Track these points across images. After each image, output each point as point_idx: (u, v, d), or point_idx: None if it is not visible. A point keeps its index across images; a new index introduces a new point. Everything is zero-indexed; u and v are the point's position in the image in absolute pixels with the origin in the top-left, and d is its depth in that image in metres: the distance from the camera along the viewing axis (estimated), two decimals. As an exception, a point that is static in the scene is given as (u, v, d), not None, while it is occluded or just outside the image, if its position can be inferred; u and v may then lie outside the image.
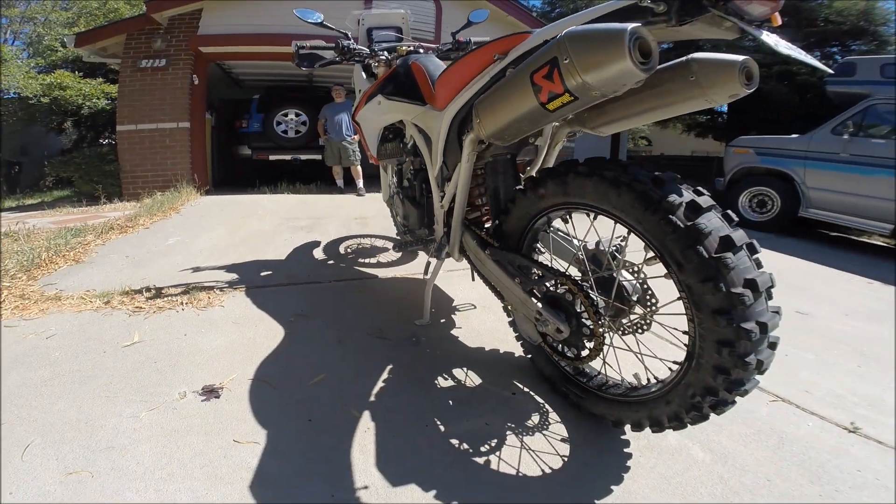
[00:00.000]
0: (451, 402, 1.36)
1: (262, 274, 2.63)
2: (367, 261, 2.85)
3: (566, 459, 1.15)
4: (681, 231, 0.91)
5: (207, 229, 3.84)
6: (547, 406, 1.36)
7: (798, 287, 2.89)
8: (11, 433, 1.19)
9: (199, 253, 3.09)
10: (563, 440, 1.22)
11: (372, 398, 1.37)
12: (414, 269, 2.64)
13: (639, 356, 1.19)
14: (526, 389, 1.44)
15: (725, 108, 11.29)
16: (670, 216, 0.92)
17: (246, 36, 5.73)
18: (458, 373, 1.52)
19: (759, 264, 0.95)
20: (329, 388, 1.43)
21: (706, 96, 0.93)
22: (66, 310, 2.11)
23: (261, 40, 5.69)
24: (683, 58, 0.96)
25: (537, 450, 1.18)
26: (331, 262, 2.87)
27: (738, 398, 0.98)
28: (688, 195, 0.96)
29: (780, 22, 0.86)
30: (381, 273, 2.58)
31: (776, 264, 3.44)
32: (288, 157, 6.55)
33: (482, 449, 1.16)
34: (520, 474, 1.10)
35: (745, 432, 1.29)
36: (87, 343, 1.77)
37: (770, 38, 0.85)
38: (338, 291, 2.32)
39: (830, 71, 1.19)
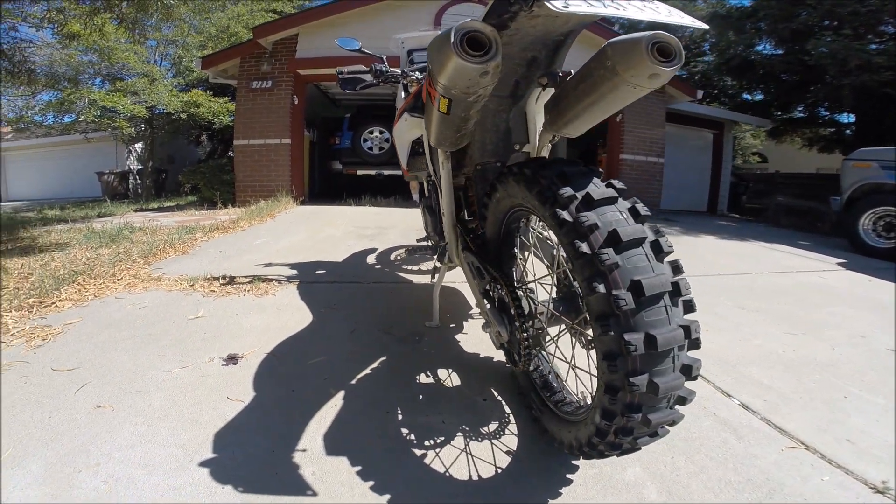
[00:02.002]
0: (421, 396, 1.44)
1: (317, 272, 2.94)
2: (409, 267, 3.03)
3: (499, 472, 1.14)
4: (568, 225, 0.87)
5: (290, 234, 4.35)
6: (511, 417, 1.36)
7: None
8: (82, 376, 1.53)
9: (277, 252, 3.53)
10: (507, 452, 1.21)
11: (353, 381, 1.50)
12: (448, 277, 2.76)
13: (573, 367, 1.15)
14: (499, 398, 1.45)
15: (854, 119, 9.68)
16: (558, 210, 0.89)
17: (334, 58, 6.39)
18: (442, 372, 1.58)
19: (676, 268, 0.86)
20: (322, 368, 1.60)
21: (627, 82, 0.87)
22: (161, 289, 2.57)
23: (345, 62, 6.31)
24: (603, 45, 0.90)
25: (478, 456, 1.18)
26: (378, 266, 3.10)
27: (656, 431, 0.87)
28: (591, 189, 0.89)
29: None
30: (417, 279, 2.74)
31: (889, 297, 2.94)
32: (372, 172, 7.11)
33: (425, 443, 1.21)
34: (446, 474, 1.11)
35: (728, 478, 1.15)
36: (164, 314, 2.16)
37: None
38: (371, 291, 2.52)
39: (705, 26, 0.97)
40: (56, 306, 2.23)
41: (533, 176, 1.00)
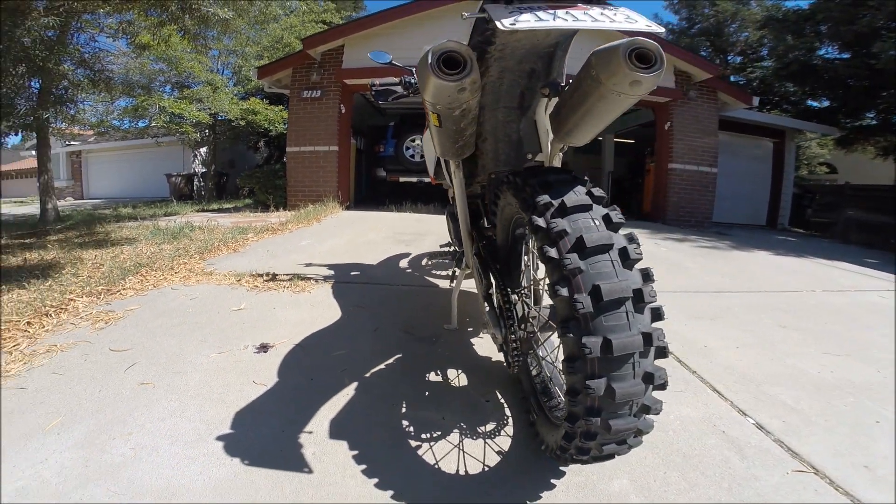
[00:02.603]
0: (427, 393, 1.51)
1: (352, 273, 3.09)
2: (438, 272, 3.11)
3: (486, 469, 1.17)
4: (542, 231, 0.90)
5: (333, 237, 4.57)
6: (509, 419, 1.39)
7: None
8: (133, 356, 1.73)
9: (319, 254, 3.73)
10: (498, 453, 1.24)
11: (368, 375, 1.60)
12: (470, 282, 2.81)
13: (560, 371, 1.16)
14: (502, 401, 1.49)
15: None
16: (534, 216, 0.92)
17: (376, 69, 6.62)
18: (452, 373, 1.65)
19: (646, 276, 0.86)
20: (342, 361, 1.71)
21: (611, 90, 0.87)
22: (212, 282, 2.81)
23: (384, 73, 6.53)
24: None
25: (469, 453, 1.23)
26: (409, 270, 3.21)
27: (624, 439, 0.87)
28: (567, 197, 0.91)
29: None
30: (443, 283, 2.81)
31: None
32: (414, 179, 7.30)
33: (422, 436, 1.28)
34: (435, 466, 1.17)
35: (718, 497, 1.11)
36: (211, 305, 2.36)
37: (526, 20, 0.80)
38: (399, 294, 2.62)
39: (661, 29, 0.91)
40: (120, 294, 2.50)
41: (520, 184, 1.04)
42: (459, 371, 1.66)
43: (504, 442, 1.29)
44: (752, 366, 1.82)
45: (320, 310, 2.31)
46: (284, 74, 7.15)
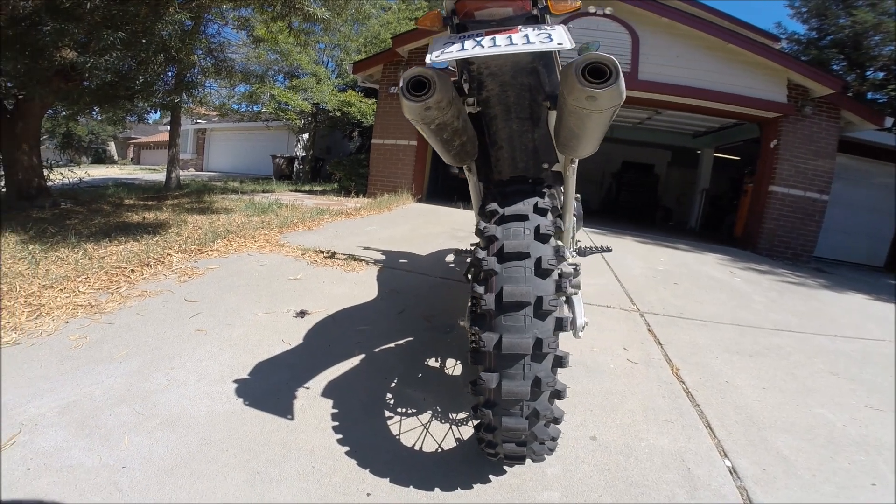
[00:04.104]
0: (420, 375, 1.67)
1: (400, 261, 3.33)
2: (479, 270, 3.24)
3: (438, 451, 1.28)
4: (481, 235, 1.00)
5: (397, 226, 4.88)
6: None
7: None
8: (199, 307, 2.10)
9: (380, 240, 4.04)
10: (457, 440, 1.34)
11: (377, 350, 1.80)
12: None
13: None
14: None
15: None
16: (480, 221, 1.01)
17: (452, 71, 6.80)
18: (450, 361, 1.79)
19: (558, 287, 0.90)
20: (360, 334, 1.94)
21: (574, 106, 0.89)
22: (281, 253, 3.22)
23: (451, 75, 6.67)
24: None
25: (433, 434, 1.35)
26: (452, 264, 3.38)
27: (523, 441, 0.93)
28: (509, 207, 0.97)
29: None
30: (479, 281, 2.94)
31: None
32: (484, 178, 7.41)
33: (398, 410, 1.44)
34: (396, 437, 1.32)
35: None
36: (274, 272, 2.74)
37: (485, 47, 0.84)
38: (433, 284, 2.81)
39: (569, 45, 0.81)
40: (207, 254, 2.98)
41: (491, 191, 1.14)
42: (457, 361, 1.80)
43: (467, 432, 1.38)
44: (767, 409, 1.73)
45: (361, 288, 2.57)
46: (376, 70, 7.63)
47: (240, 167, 16.79)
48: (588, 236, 5.50)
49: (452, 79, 1.26)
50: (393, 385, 1.58)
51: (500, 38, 0.91)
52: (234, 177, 13.17)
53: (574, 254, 2.46)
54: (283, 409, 1.39)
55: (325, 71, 11.19)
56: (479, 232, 1.03)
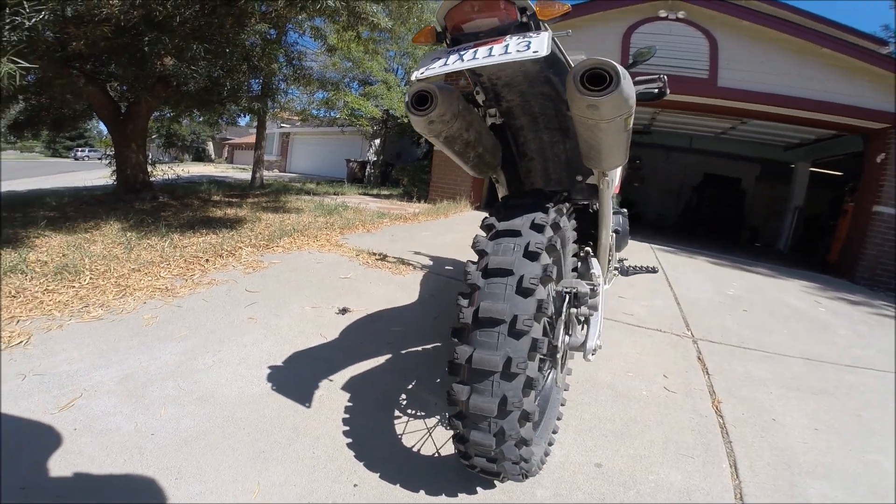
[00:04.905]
0: (438, 380, 1.72)
1: (446, 267, 3.42)
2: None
3: (436, 456, 1.31)
4: (475, 248, 1.02)
5: (451, 233, 4.98)
6: None
7: None
8: (256, 297, 2.32)
9: (432, 245, 4.17)
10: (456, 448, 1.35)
11: (403, 351, 1.89)
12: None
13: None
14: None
15: None
16: (477, 235, 1.03)
17: None
18: (474, 367, 1.83)
19: (539, 308, 0.89)
20: (392, 335, 2.04)
21: (578, 117, 0.87)
22: (338, 253, 3.44)
23: None
24: None
25: (435, 438, 1.39)
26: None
27: (494, 457, 0.93)
28: (504, 222, 0.98)
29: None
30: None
31: None
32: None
33: (408, 411, 1.51)
34: (399, 437, 1.38)
35: None
36: (328, 271, 2.94)
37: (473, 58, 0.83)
38: (474, 292, 2.86)
39: (544, 52, 0.84)
40: (272, 250, 3.26)
41: (498, 205, 1.14)
42: (480, 368, 1.84)
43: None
44: (811, 452, 1.56)
45: (404, 292, 2.68)
46: (440, 77, 7.81)
47: (318, 169, 17.96)
48: (654, 253, 5.23)
49: (465, 91, 1.30)
50: (410, 387, 1.66)
51: (482, 51, 0.91)
52: (312, 178, 14.12)
53: (616, 272, 2.37)
54: (303, 397, 1.52)
55: (395, 78, 11.68)
56: (472, 245, 1.06)
